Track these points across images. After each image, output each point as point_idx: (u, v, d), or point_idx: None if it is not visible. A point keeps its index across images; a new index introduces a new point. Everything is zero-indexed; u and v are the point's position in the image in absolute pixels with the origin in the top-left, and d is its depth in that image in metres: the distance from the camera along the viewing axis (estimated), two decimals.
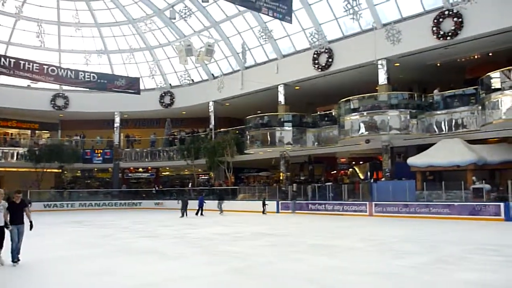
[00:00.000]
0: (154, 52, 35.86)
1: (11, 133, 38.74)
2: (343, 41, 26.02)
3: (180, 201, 25.98)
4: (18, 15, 31.38)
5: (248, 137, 29.44)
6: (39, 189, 34.81)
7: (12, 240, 9.02)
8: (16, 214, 9.20)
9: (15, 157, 35.59)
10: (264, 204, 26.11)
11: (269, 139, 28.17)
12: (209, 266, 9.06)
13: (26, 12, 31.82)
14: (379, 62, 23.93)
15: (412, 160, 22.46)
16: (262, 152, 29.51)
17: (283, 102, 29.19)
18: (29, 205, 9.28)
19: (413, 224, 17.84)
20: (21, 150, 35.80)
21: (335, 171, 33.20)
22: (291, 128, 27.92)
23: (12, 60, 26.77)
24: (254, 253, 10.70)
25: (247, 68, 31.48)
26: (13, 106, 34.86)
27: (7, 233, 9.06)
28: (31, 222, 9.51)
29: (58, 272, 8.77)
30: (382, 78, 24.04)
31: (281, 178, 29.54)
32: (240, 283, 7.61)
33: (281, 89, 29.20)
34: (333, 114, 27.06)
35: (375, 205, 22.41)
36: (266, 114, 29.35)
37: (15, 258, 9.04)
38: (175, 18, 28.54)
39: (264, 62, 30.66)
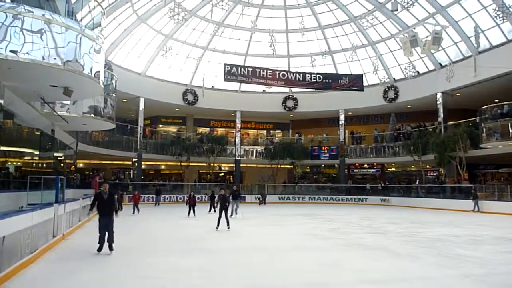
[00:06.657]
0: (377, 47, 35.49)
1: (249, 134, 44.49)
2: None
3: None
4: (253, 28, 35.59)
5: (484, 129, 26.38)
6: (274, 183, 38.68)
7: None
8: None
9: (254, 155, 40.52)
10: None
11: (510, 131, 24.70)
12: (441, 269, 8.58)
13: (259, 25, 35.67)
14: None
15: None
16: (502, 146, 26.04)
17: None
18: None
19: None
20: (258, 148, 40.64)
21: None
22: None
23: (250, 69, 30.37)
24: (495, 260, 9.63)
25: (480, 52, 28.21)
26: (252, 110, 39.57)
27: None
28: None
29: (295, 261, 9.63)
30: None
31: None
32: None
33: None
34: None
35: None
36: (507, 102, 25.72)
37: None
38: (397, 10, 27.62)
39: (502, 44, 26.88)
